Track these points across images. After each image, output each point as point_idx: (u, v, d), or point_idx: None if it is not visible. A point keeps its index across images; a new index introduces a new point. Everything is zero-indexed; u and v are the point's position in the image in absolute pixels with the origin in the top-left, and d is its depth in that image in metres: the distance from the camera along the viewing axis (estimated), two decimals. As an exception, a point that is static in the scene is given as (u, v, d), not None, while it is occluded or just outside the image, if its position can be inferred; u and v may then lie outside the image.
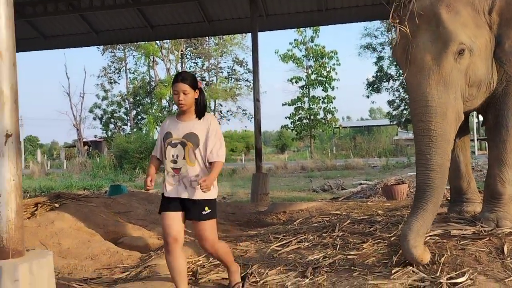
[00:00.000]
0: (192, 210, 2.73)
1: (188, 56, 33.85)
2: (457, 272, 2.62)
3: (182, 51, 32.24)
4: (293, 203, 6.94)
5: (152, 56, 31.52)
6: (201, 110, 2.77)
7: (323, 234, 3.81)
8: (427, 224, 2.79)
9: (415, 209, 2.80)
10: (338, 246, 3.39)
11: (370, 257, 3.07)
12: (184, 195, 2.71)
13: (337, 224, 3.97)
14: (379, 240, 3.35)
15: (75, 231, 4.18)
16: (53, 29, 10.78)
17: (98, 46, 30.99)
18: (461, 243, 2.95)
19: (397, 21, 2.98)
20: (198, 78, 2.80)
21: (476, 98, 3.15)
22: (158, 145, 2.88)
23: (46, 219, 4.29)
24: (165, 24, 10.47)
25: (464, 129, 3.79)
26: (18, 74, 2.52)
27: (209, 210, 2.75)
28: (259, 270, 3.12)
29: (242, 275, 3.04)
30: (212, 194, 2.75)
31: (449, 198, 4.26)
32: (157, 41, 28.48)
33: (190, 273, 3.20)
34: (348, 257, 3.13)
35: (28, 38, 10.73)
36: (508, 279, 2.51)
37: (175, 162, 2.71)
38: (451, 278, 2.57)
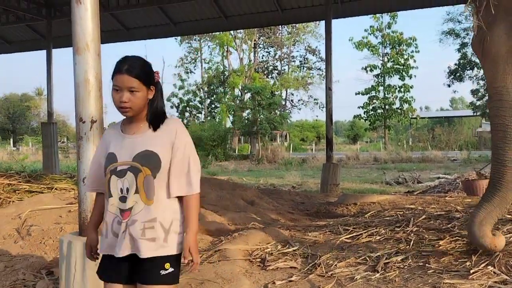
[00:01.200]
0: (144, 271, 1.74)
1: (261, 46, 34.07)
2: (547, 277, 2.39)
3: (255, 40, 32.51)
4: (364, 195, 6.76)
5: (226, 46, 32.14)
6: (157, 116, 1.82)
7: (396, 229, 3.67)
8: (492, 216, 2.79)
9: (480, 202, 2.87)
10: (412, 242, 3.25)
11: (446, 255, 2.91)
12: (128, 251, 1.73)
13: (412, 219, 3.80)
14: (457, 238, 3.16)
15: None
16: (134, 21, 11.38)
17: (176, 37, 32.30)
18: (553, 246, 2.69)
19: (474, 11, 2.87)
20: (156, 70, 1.85)
21: None
22: (93, 173, 1.90)
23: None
24: (239, 14, 10.61)
25: None
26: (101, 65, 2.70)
27: (170, 269, 1.75)
28: (328, 261, 3.08)
29: (310, 265, 3.03)
30: (174, 245, 1.76)
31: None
32: (231, 31, 28.96)
33: (259, 260, 3.24)
34: (423, 253, 2.99)
35: (111, 30, 11.45)
36: None
37: (123, 200, 1.74)
38: (539, 283, 2.35)
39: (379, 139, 34.44)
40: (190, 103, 34.76)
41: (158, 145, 1.76)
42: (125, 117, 1.82)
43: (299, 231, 4.08)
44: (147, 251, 1.71)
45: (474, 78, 25.12)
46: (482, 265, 2.64)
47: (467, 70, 25.23)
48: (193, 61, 35.55)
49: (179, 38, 32.74)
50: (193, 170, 1.79)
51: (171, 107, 35.61)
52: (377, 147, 29.03)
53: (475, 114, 27.95)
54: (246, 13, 10.57)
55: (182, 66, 35.47)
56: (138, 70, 1.75)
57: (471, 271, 2.59)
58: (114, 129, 1.87)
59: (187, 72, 35.46)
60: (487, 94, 3.12)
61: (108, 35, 11.20)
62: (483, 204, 2.81)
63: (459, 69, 25.36)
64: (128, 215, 1.73)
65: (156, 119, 1.81)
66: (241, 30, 29.54)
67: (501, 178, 2.78)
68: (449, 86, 26.05)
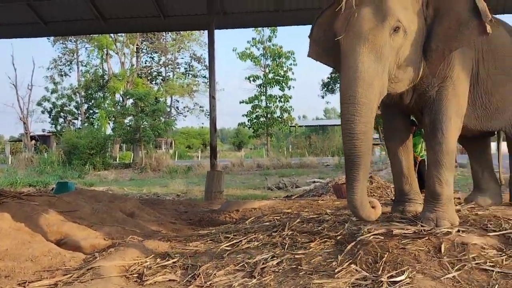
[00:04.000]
0: None
1: (144, 50, 33.08)
2: (397, 271, 2.71)
3: (137, 45, 31.45)
4: (246, 202, 6.95)
5: (105, 49, 30.54)
6: None
7: (273, 234, 3.83)
8: (364, 191, 3.05)
9: (350, 183, 3.03)
10: (286, 246, 3.42)
11: (316, 256, 3.12)
12: None
13: (287, 223, 4.01)
14: (326, 239, 3.42)
15: (15, 231, 3.96)
16: (-2, 17, 10.20)
17: (48, 38, 29.72)
18: (402, 242, 3.06)
19: None
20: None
21: (401, 82, 3.26)
22: None
23: (-18, 219, 4.04)
24: (118, 17, 10.17)
25: (405, 131, 3.96)
26: None
27: None
28: (207, 271, 3.09)
29: (190, 276, 3.01)
30: None
31: (393, 198, 4.43)
32: (111, 34, 27.64)
33: (136, 275, 3.12)
34: (296, 256, 3.17)
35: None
36: (444, 277, 2.63)
37: None
38: (391, 276, 2.65)
39: (262, 146, 35.82)
40: (65, 108, 32.22)
41: None
42: None
43: (180, 241, 4.03)
44: None
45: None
46: (346, 264, 2.89)
47: (338, 83, 27.62)
48: (69, 63, 33.07)
49: (52, 38, 30.17)
50: None
51: (42, 112, 32.74)
52: (260, 153, 30.15)
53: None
54: (126, 17, 10.17)
55: (55, 68, 32.76)
56: None
57: (336, 270, 2.81)
58: None
59: (61, 75, 32.88)
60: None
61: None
62: (353, 185, 2.99)
63: (331, 82, 27.70)
64: None
65: None
66: (122, 34, 28.39)
67: (357, 151, 2.92)
68: (323, 97, 28.32)
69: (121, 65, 31.10)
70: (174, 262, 3.33)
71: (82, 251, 3.97)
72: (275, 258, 3.19)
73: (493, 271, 2.66)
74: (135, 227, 5.03)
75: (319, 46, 3.70)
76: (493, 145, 5.56)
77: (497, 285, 2.53)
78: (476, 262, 2.76)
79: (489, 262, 2.75)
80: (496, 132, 4.65)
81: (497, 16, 4.34)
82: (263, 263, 3.11)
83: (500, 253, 2.90)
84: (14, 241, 3.78)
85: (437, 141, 3.45)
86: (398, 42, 3.07)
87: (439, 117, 3.45)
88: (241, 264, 3.16)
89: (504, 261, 2.78)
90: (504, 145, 4.80)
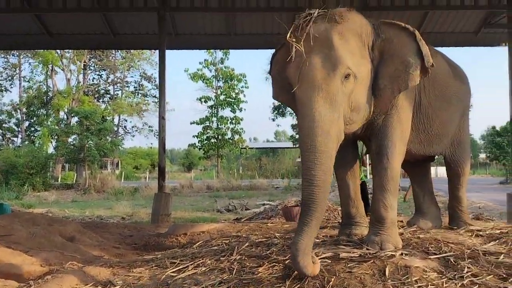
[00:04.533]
0: None
1: (91, 68, 32.17)
2: (344, 295, 2.73)
3: (85, 61, 30.57)
4: (194, 225, 6.81)
5: (51, 65, 29.40)
6: None
7: (221, 258, 3.75)
8: (312, 239, 2.93)
9: (300, 226, 2.91)
10: (234, 271, 3.36)
11: (264, 281, 3.08)
12: None
13: (236, 247, 3.95)
14: (274, 264, 3.39)
15: None
16: None
17: (-12, 50, 28.22)
18: (348, 265, 3.10)
19: (294, 40, 3.13)
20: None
21: (355, 123, 3.40)
22: None
23: None
24: (65, 33, 9.86)
25: (353, 158, 4.09)
26: None
27: None
28: (151, 298, 2.96)
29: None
30: None
31: (340, 221, 4.50)
32: (57, 50, 26.69)
33: (74, 305, 2.93)
34: (244, 281, 3.11)
35: None
36: (388, 300, 2.68)
37: None
38: (338, 301, 2.67)
39: (213, 167, 35.58)
40: (4, 125, 30.48)
41: None
42: None
43: (124, 267, 3.85)
44: None
45: (294, 114, 28.16)
46: (295, 288, 2.88)
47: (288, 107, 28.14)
48: (10, 78, 31.47)
49: (-8, 50, 28.65)
50: None
51: (-22, 128, 30.67)
52: (211, 175, 29.92)
53: (295, 146, 31.16)
54: (74, 33, 9.88)
55: (-5, 82, 31.03)
56: None
57: (285, 295, 2.79)
58: None
59: (2, 90, 31.16)
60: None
61: None
62: (303, 229, 2.86)
63: (282, 105, 28.18)
64: None
65: None
66: (69, 50, 27.52)
67: (315, 198, 2.88)
68: (273, 120, 28.67)
69: (67, 81, 30.05)
70: (116, 290, 3.17)
71: (16, 279, 3.68)
72: (222, 284, 3.11)
73: (434, 293, 2.74)
74: (75, 252, 4.76)
75: (276, 84, 3.76)
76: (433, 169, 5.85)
77: (437, 307, 2.61)
78: (418, 285, 2.84)
79: (431, 285, 2.84)
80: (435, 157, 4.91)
81: (437, 48, 4.64)
82: (210, 290, 3.02)
83: (440, 275, 3.00)
84: None
85: (383, 167, 3.58)
86: (350, 88, 3.18)
87: (384, 143, 3.61)
88: (187, 291, 3.05)
89: (444, 283, 2.88)
90: (443, 170, 5.07)
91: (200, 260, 3.76)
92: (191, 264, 3.64)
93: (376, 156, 3.68)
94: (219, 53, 28.59)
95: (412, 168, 5.11)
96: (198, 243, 4.79)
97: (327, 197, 3.11)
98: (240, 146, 30.69)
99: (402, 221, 5.13)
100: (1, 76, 31.20)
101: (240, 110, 29.02)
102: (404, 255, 3.25)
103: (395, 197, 3.67)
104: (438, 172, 23.78)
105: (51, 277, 3.42)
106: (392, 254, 3.24)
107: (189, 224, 7.42)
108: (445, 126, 4.46)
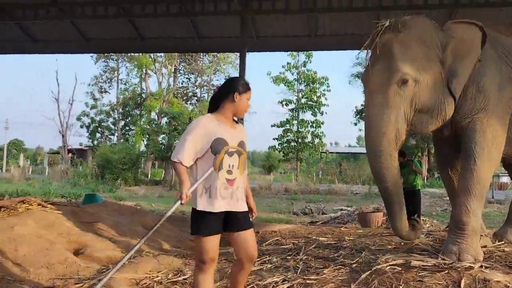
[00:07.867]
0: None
1: (181, 71, 33.93)
2: (412, 304, 2.58)
3: (175, 65, 32.32)
4: (267, 224, 6.87)
5: (144, 69, 31.53)
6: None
7: (287, 257, 3.76)
8: (401, 217, 3.38)
9: (389, 215, 3.49)
10: (299, 270, 3.34)
11: (328, 283, 3.02)
12: (227, 208, 2.62)
13: (303, 248, 3.92)
14: (340, 266, 3.32)
15: (36, 238, 4.05)
16: (42, 33, 10.74)
17: (92, 55, 31.07)
18: (420, 274, 2.92)
19: (368, 50, 3.59)
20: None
21: (429, 123, 3.56)
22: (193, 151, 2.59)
23: (6, 224, 4.16)
24: (155, 37, 10.50)
25: (455, 160, 4.03)
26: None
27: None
28: (215, 290, 3.04)
29: None
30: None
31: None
32: (151, 54, 28.55)
33: (145, 289, 3.11)
34: (307, 281, 3.08)
35: (16, 40, 10.71)
36: (462, 314, 2.48)
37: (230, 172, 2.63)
38: (404, 309, 2.52)
39: (292, 170, 35.56)
40: (103, 124, 33.25)
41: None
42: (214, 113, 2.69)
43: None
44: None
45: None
46: (359, 292, 2.78)
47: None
48: (109, 80, 34.32)
49: (95, 55, 31.50)
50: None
51: (81, 126, 33.85)
52: (289, 178, 29.90)
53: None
54: (163, 37, 10.48)
55: (96, 84, 34.04)
56: None
57: (348, 299, 2.70)
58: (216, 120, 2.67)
59: (101, 92, 34.08)
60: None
61: (12, 45, 10.49)
62: (392, 214, 3.38)
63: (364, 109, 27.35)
64: (233, 184, 2.63)
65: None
66: (161, 54, 29.29)
67: (389, 193, 3.35)
68: (355, 124, 27.95)
69: (159, 84, 31.98)
70: (185, 279, 3.31)
71: (98, 262, 4.00)
72: (286, 282, 3.11)
73: (516, 312, 2.48)
74: (153, 242, 5.04)
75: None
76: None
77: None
78: (498, 301, 2.59)
79: (513, 302, 2.58)
80: None
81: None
82: (273, 286, 3.03)
83: (525, 293, 2.71)
84: (33, 247, 3.86)
85: (469, 168, 3.45)
86: (410, 91, 3.41)
87: (472, 146, 3.53)
88: (250, 286, 3.09)
89: (529, 302, 2.60)
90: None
91: (267, 258, 3.79)
92: (258, 261, 3.68)
93: (463, 160, 3.59)
94: (302, 56, 28.56)
95: None
96: (268, 241, 4.83)
97: (399, 187, 3.44)
98: (320, 150, 30.31)
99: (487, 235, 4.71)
100: (101, 78, 34.16)
101: (321, 113, 28.68)
102: (484, 267, 2.99)
103: (480, 203, 3.42)
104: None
105: (128, 262, 3.65)
106: (470, 266, 2.99)
107: (262, 223, 7.49)
108: None
